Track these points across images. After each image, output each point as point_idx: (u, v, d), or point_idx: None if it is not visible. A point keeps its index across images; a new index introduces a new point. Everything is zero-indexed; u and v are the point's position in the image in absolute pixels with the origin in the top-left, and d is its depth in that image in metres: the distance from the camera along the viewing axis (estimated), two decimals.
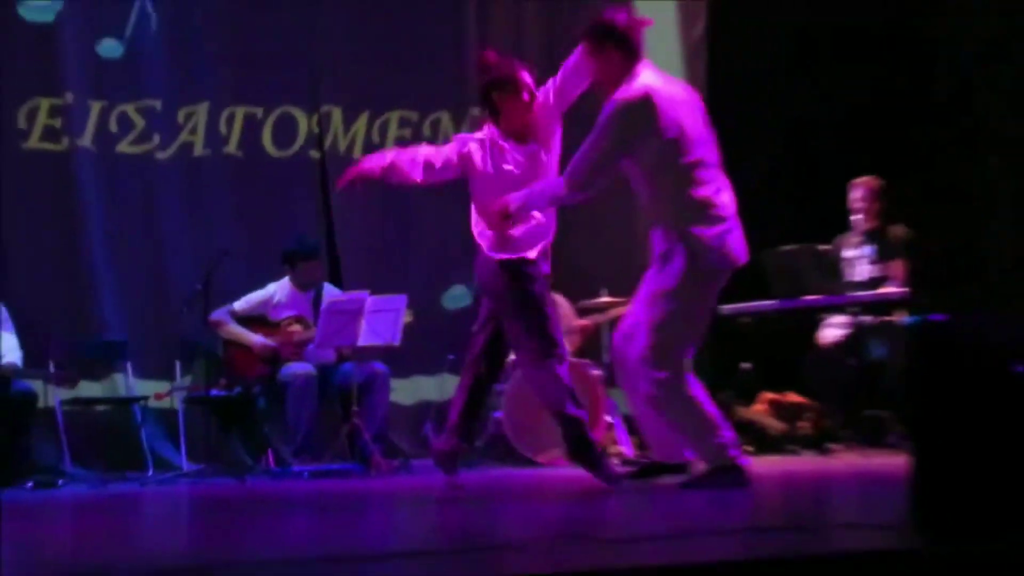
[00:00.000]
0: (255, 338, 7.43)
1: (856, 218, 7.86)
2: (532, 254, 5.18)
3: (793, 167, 8.65)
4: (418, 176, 5.24)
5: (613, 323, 7.75)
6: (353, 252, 8.29)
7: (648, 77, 4.94)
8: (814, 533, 3.56)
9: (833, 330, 7.85)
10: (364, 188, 8.19)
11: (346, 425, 7.22)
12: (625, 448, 7.49)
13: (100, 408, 7.70)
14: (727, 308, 7.19)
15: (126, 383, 7.71)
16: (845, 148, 8.57)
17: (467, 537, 3.69)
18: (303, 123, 8.32)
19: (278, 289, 7.60)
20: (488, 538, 3.60)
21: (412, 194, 8.44)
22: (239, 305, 7.53)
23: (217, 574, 2.84)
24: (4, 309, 7.21)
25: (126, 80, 7.99)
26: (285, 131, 8.29)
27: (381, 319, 7.12)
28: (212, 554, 3.49)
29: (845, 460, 6.95)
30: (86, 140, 7.88)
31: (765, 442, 7.73)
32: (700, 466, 5.06)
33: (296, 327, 7.47)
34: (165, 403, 7.66)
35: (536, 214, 5.10)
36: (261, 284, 7.64)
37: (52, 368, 7.30)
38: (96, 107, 7.91)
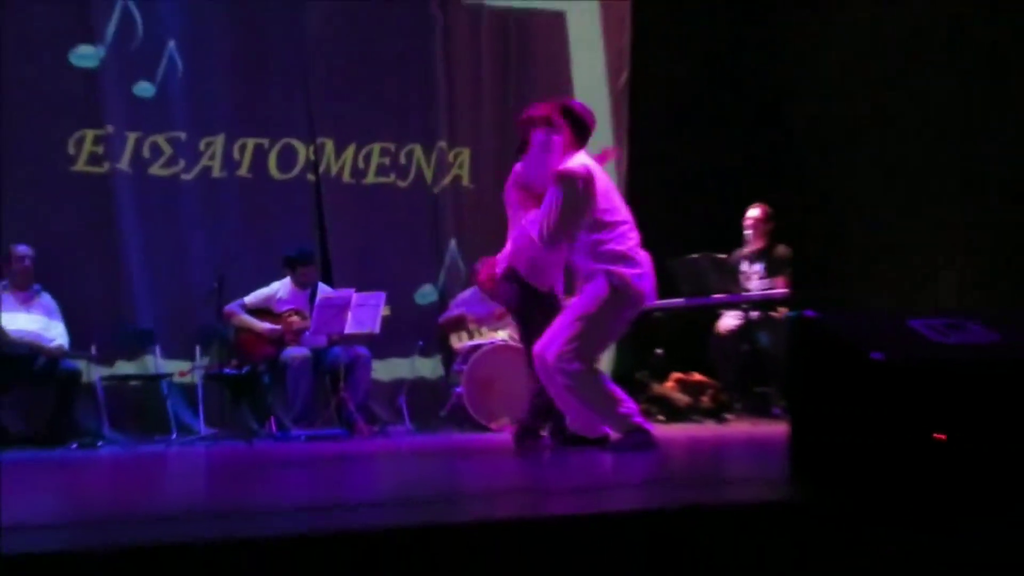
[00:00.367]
0: (262, 326, 7.41)
1: (748, 234, 7.93)
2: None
3: (696, 192, 8.68)
4: None
5: None
6: (342, 257, 8.24)
7: (583, 158, 5.06)
8: (713, 486, 3.56)
9: (729, 322, 7.89)
10: (350, 207, 8.26)
11: (335, 398, 7.24)
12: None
13: (133, 383, 7.62)
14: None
15: (155, 363, 7.64)
16: (737, 177, 8.61)
17: (432, 487, 3.67)
18: (302, 152, 8.28)
19: (281, 287, 7.58)
20: (449, 489, 3.57)
21: (389, 212, 8.44)
22: (248, 299, 7.51)
23: (229, 519, 2.80)
24: (54, 302, 7.15)
25: (157, 115, 7.92)
26: (287, 158, 8.24)
27: (364, 312, 7.13)
28: (225, 502, 3.45)
29: (738, 427, 6.98)
30: (124, 164, 7.80)
31: (674, 413, 7.75)
32: (615, 436, 5.07)
33: (295, 318, 7.45)
34: (187, 379, 7.59)
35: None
36: (266, 283, 7.61)
37: (94, 351, 7.26)
38: (132, 137, 7.83)
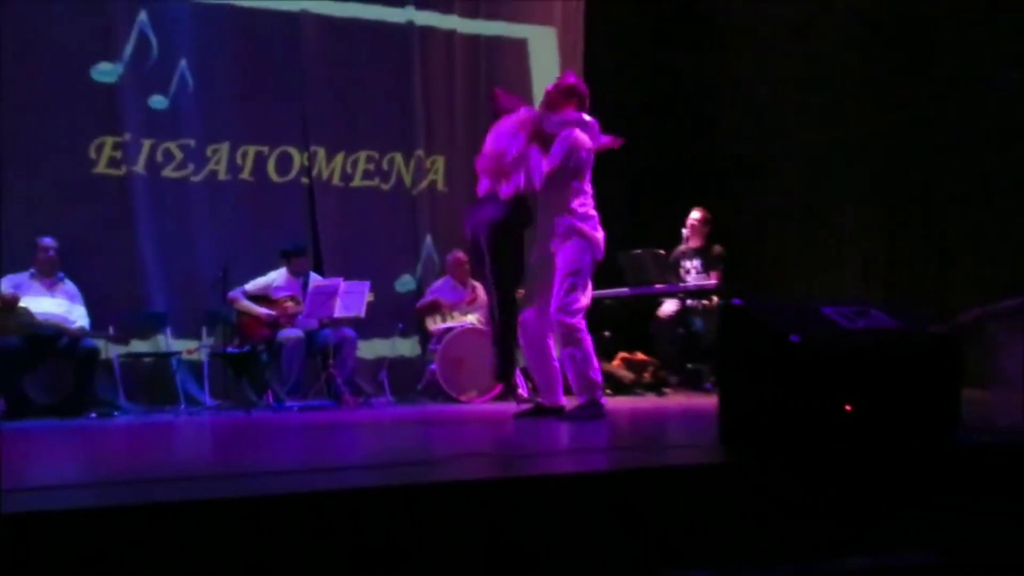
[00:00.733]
0: (260, 310, 7.35)
1: (687, 234, 7.97)
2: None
3: (641, 196, 8.71)
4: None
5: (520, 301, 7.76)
6: (331, 251, 8.19)
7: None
8: (654, 451, 3.57)
9: (668, 309, 7.92)
10: (339, 207, 8.21)
11: (325, 373, 7.20)
12: (522, 391, 7.49)
13: (146, 360, 7.53)
14: (594, 292, 7.21)
15: (166, 342, 7.56)
16: (676, 184, 8.66)
17: (409, 453, 3.65)
18: (297, 158, 8.22)
19: (278, 276, 7.53)
20: (424, 454, 3.56)
21: (373, 211, 8.41)
22: (249, 287, 7.46)
23: (231, 480, 2.78)
24: (77, 288, 7.07)
25: (169, 125, 7.84)
26: (284, 164, 8.18)
27: (351, 298, 7.11)
28: (228, 465, 3.42)
29: (676, 400, 7.00)
30: (139, 167, 7.72)
31: (620, 388, 7.78)
32: (571, 406, 5.06)
33: (290, 303, 7.40)
34: (194, 357, 7.53)
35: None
36: (265, 272, 7.55)
37: (111, 331, 7.18)
38: (147, 144, 7.75)
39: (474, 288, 8.09)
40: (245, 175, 8.06)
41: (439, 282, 8.18)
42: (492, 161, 5.07)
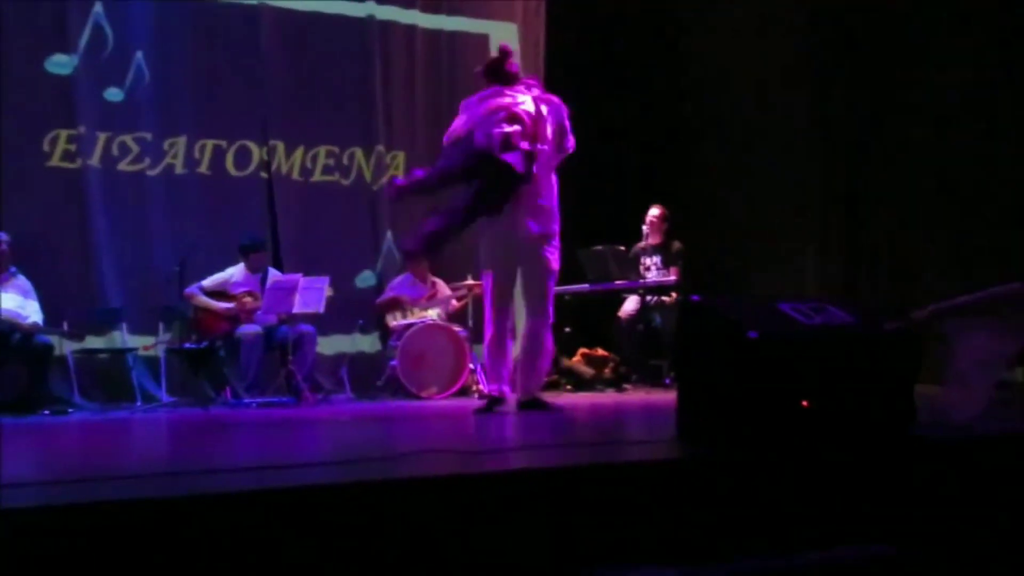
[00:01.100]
0: (218, 306, 7.29)
1: (647, 231, 8.02)
2: None
3: (602, 192, 8.74)
4: None
5: (476, 299, 7.76)
6: (290, 246, 8.12)
7: None
8: (614, 445, 3.59)
9: (628, 305, 7.97)
10: (299, 202, 8.15)
11: (284, 369, 7.14)
12: (483, 387, 7.49)
13: (102, 356, 7.42)
14: (556, 288, 7.23)
15: (122, 338, 7.45)
16: (637, 181, 8.70)
17: (369, 449, 3.64)
18: (256, 153, 8.14)
19: (236, 271, 7.46)
20: (384, 450, 3.55)
21: (333, 206, 8.36)
22: (207, 282, 7.38)
23: (189, 478, 2.75)
24: (30, 283, 6.95)
25: (125, 117, 7.72)
26: (243, 158, 8.10)
27: (310, 294, 7.06)
28: (185, 463, 3.39)
29: (636, 396, 7.04)
30: (94, 161, 7.60)
31: (580, 383, 7.82)
32: (513, 398, 5.08)
33: (248, 299, 7.34)
34: (151, 353, 7.42)
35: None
36: (223, 268, 7.48)
37: (66, 327, 7.06)
38: (102, 137, 7.64)
39: (434, 284, 8.07)
40: (203, 169, 7.97)
41: (398, 279, 8.16)
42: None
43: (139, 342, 7.42)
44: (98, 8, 7.67)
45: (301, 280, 7.08)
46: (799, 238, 8.11)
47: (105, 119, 7.65)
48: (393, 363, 7.45)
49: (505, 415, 5.02)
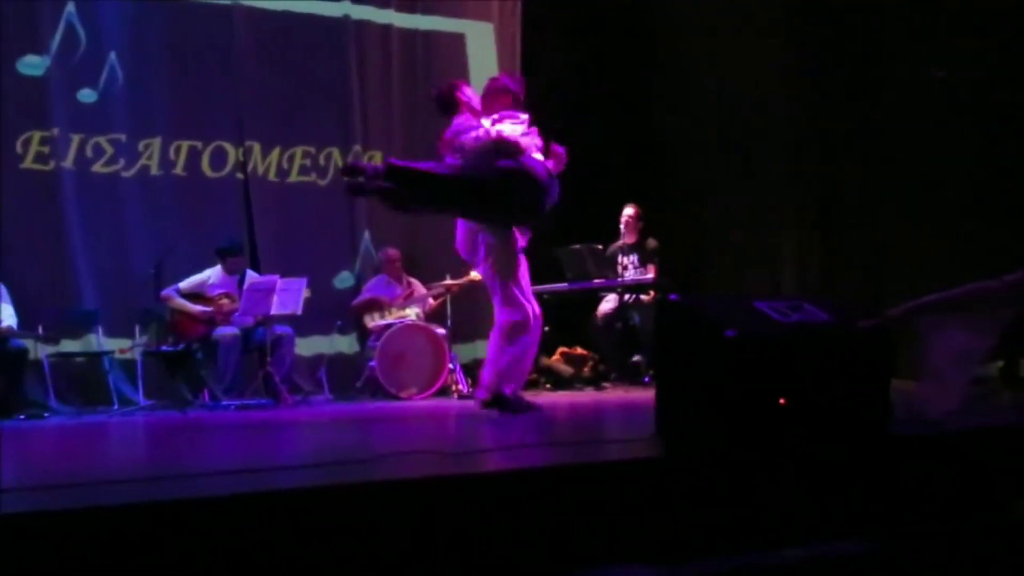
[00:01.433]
0: (195, 308, 7.25)
1: (623, 229, 8.04)
2: None
3: (579, 192, 8.75)
4: None
5: (454, 298, 7.76)
6: (267, 247, 8.08)
7: None
8: (593, 444, 3.60)
9: (606, 304, 7.99)
10: (276, 203, 8.12)
11: (262, 371, 7.10)
12: (462, 387, 7.51)
13: (78, 360, 7.36)
14: (534, 288, 7.23)
15: (98, 341, 7.40)
16: (613, 180, 8.72)
17: (348, 451, 3.64)
18: (232, 153, 8.10)
19: (213, 273, 7.43)
20: (363, 452, 3.55)
21: (310, 207, 8.33)
22: (183, 285, 7.33)
23: (167, 482, 2.74)
24: (3, 287, 6.90)
25: (99, 119, 7.66)
26: (218, 159, 8.06)
27: (288, 295, 7.04)
28: (163, 466, 3.37)
29: (615, 394, 7.06)
30: (68, 163, 7.54)
31: (559, 382, 7.83)
32: (484, 394, 5.06)
33: (225, 301, 7.31)
34: (127, 356, 7.37)
35: None
36: (200, 270, 7.44)
37: (41, 330, 6.99)
38: (76, 139, 7.58)
39: (409, 283, 8.07)
40: (178, 170, 7.92)
41: (373, 280, 8.15)
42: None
43: (115, 345, 7.37)
44: (70, 8, 7.61)
45: (279, 281, 7.06)
46: (777, 236, 8.15)
47: (79, 120, 7.59)
48: (372, 364, 7.44)
49: (482, 415, 5.02)
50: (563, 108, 8.95)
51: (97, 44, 7.65)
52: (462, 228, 5.14)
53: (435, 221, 7.55)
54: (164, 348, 7.17)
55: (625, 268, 7.94)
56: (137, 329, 7.45)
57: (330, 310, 8.01)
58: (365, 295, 8.03)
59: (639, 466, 2.75)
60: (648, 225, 8.09)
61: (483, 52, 9.04)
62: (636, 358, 7.79)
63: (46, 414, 6.71)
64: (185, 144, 7.93)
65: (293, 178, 8.31)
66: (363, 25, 8.60)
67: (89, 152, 7.62)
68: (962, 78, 6.51)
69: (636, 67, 9.15)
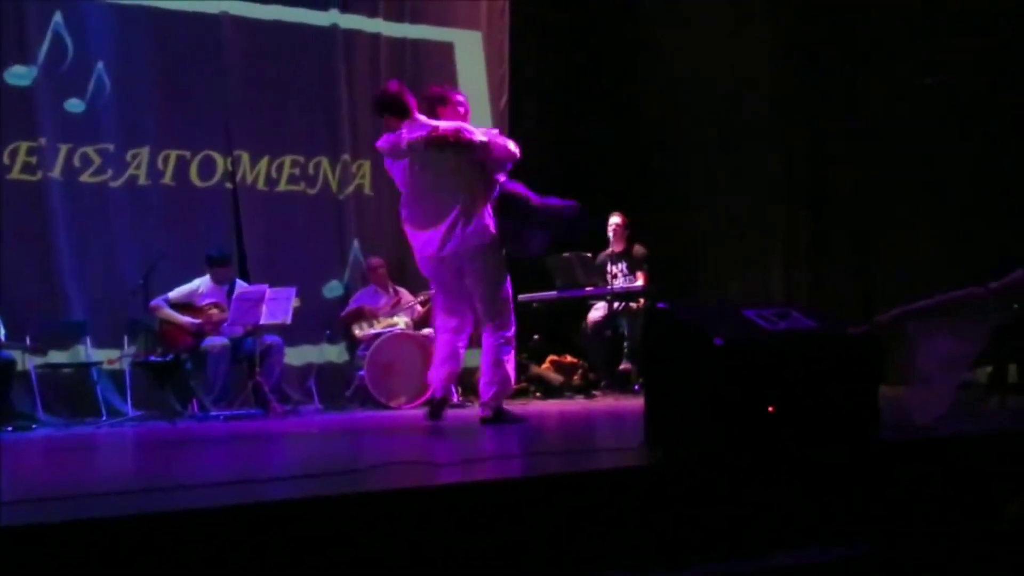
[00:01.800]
0: (183, 319, 7.23)
1: (611, 237, 8.06)
2: None
3: (565, 196, 8.76)
4: None
5: None
6: (257, 257, 8.07)
7: None
8: (582, 454, 3.60)
9: (596, 312, 7.99)
10: (264, 212, 8.11)
11: (251, 381, 7.09)
12: (452, 396, 7.49)
13: (66, 371, 7.33)
14: (523, 296, 7.25)
15: (86, 352, 7.36)
16: (601, 188, 8.74)
17: (339, 461, 3.63)
18: (220, 163, 8.09)
19: (201, 283, 7.41)
20: (354, 462, 3.55)
21: (299, 216, 8.33)
22: (172, 295, 7.31)
23: (156, 494, 2.73)
24: None
25: (87, 129, 7.64)
26: (207, 168, 8.04)
27: (277, 304, 7.03)
28: (152, 478, 3.36)
29: (604, 402, 7.07)
30: (56, 173, 7.51)
31: (549, 390, 7.83)
32: (486, 412, 5.06)
33: (214, 311, 7.30)
34: (116, 366, 7.33)
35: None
36: (189, 280, 7.42)
37: (28, 341, 6.97)
38: (64, 149, 7.55)
39: (396, 292, 8.07)
40: (167, 180, 7.91)
41: (360, 291, 8.16)
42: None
43: (103, 356, 7.34)
44: (58, 18, 7.58)
45: (268, 291, 7.05)
46: (765, 241, 8.18)
47: (66, 131, 7.57)
48: (361, 373, 7.43)
49: (470, 425, 5.02)
50: (551, 115, 8.99)
51: (84, 54, 7.63)
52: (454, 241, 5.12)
53: None
54: (153, 359, 7.15)
55: (615, 276, 7.96)
56: (126, 339, 7.43)
57: (319, 319, 8.00)
58: (353, 305, 8.02)
59: (628, 474, 2.75)
60: (637, 233, 8.10)
61: (472, 60, 9.06)
62: (624, 366, 7.79)
63: (34, 426, 6.68)
64: (173, 153, 7.92)
65: (282, 187, 8.30)
66: (352, 34, 8.61)
67: (77, 162, 7.60)
68: (954, 81, 6.53)
69: (623, 75, 9.18)
